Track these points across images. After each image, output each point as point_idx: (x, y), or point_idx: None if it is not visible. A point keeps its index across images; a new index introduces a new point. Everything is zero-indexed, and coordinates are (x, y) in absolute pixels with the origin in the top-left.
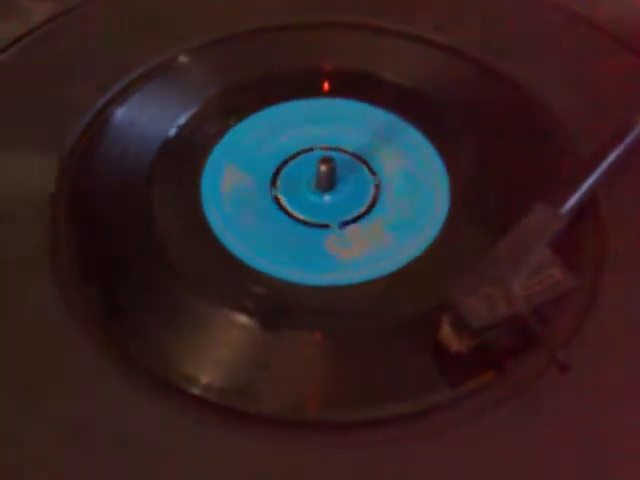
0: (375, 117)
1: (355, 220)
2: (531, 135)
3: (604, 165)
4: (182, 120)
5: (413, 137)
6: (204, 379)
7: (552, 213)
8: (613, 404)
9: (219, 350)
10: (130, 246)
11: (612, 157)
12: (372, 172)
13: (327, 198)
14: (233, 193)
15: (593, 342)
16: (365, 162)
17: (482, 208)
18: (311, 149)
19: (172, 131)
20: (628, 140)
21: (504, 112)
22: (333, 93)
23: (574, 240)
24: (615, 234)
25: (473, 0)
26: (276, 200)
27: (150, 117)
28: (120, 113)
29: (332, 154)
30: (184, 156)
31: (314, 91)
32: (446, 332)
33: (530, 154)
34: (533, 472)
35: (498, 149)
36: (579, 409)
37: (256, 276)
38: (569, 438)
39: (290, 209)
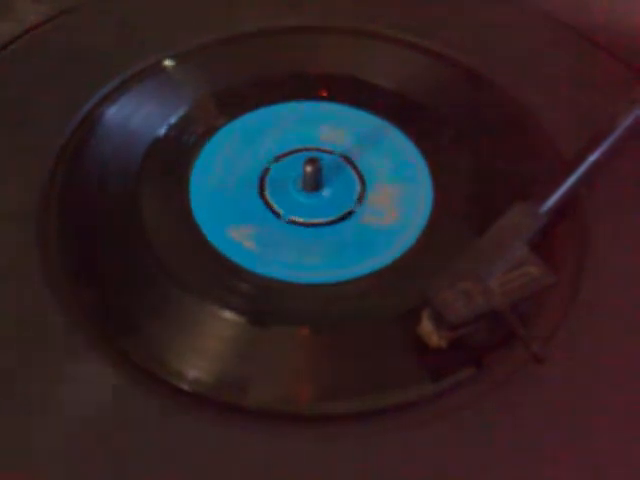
0: (361, 120)
1: (340, 219)
2: (514, 137)
3: (584, 166)
4: (172, 120)
5: (398, 139)
6: (195, 374)
7: (531, 212)
8: (592, 398)
9: (209, 345)
10: (120, 245)
11: (592, 158)
12: (358, 173)
13: (313, 198)
14: (221, 192)
15: (573, 337)
16: (351, 163)
17: (465, 209)
18: (298, 150)
19: (162, 131)
20: (608, 142)
21: (488, 115)
22: (320, 96)
23: (556, 238)
24: (596, 233)
25: (462, 6)
26: (263, 199)
27: (141, 117)
28: (111, 112)
29: (319, 155)
30: (174, 156)
31: (301, 94)
32: (426, 327)
33: (514, 156)
34: (513, 465)
35: (481, 151)
36: (558, 403)
37: (244, 273)
38: (549, 432)
39: (277, 208)
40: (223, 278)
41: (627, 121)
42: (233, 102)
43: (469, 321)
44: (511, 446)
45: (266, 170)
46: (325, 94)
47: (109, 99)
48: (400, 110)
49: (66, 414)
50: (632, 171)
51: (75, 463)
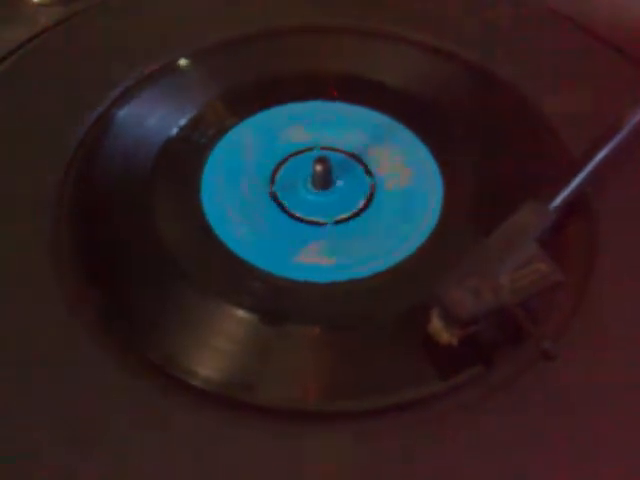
0: (370, 119)
1: (350, 218)
2: (523, 135)
3: (592, 163)
4: (183, 121)
5: (408, 139)
6: (206, 372)
7: (540, 209)
8: (602, 397)
9: (221, 344)
10: (132, 244)
11: (600, 156)
12: (368, 172)
13: (323, 197)
14: (232, 192)
15: (583, 336)
16: (361, 162)
17: (475, 207)
18: (308, 149)
19: (173, 132)
20: (616, 140)
21: (497, 114)
22: (329, 96)
23: (566, 237)
24: (605, 231)
25: (468, 4)
26: (274, 199)
27: (152, 118)
28: (123, 114)
29: (329, 154)
30: (185, 156)
31: (311, 94)
32: (435, 325)
33: (524, 155)
34: (522, 464)
35: (491, 150)
36: (568, 402)
37: (255, 272)
38: (558, 431)
39: (287, 207)
40: (234, 277)
41: (635, 118)
42: (243, 103)
43: (479, 318)
44: (521, 444)
45: (276, 169)
46: (334, 93)
47: (121, 100)
48: (409, 108)
49: (75, 412)
50: None
51: (81, 461)
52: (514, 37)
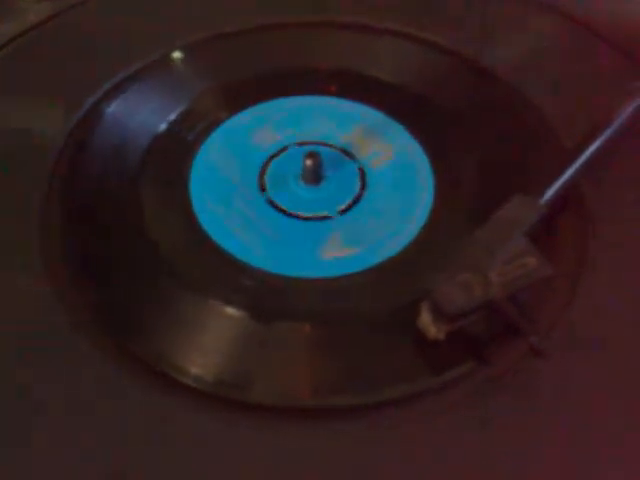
0: (362, 114)
1: (341, 214)
2: (517, 130)
3: (583, 157)
4: (172, 116)
5: (399, 134)
6: (198, 370)
7: (530, 203)
8: (594, 392)
9: (212, 342)
10: (121, 241)
11: (591, 149)
12: (359, 167)
13: (313, 192)
14: (222, 188)
15: (575, 331)
16: (352, 157)
17: (466, 202)
18: (298, 144)
19: (162, 127)
20: (608, 133)
21: (490, 108)
22: (322, 91)
23: (558, 232)
24: (598, 225)
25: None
26: (263, 194)
27: (141, 114)
28: (111, 109)
29: (319, 149)
30: (174, 152)
31: (303, 89)
32: (424, 318)
33: (517, 151)
34: (514, 460)
35: (484, 145)
36: (559, 396)
37: (245, 269)
38: (550, 425)
39: (277, 203)
40: (225, 274)
41: (627, 111)
42: (232, 98)
43: (468, 313)
44: (510, 440)
45: (267, 164)
46: (326, 88)
47: (109, 96)
48: (401, 104)
49: (67, 413)
50: (636, 164)
51: (75, 463)
52: (511, 33)
